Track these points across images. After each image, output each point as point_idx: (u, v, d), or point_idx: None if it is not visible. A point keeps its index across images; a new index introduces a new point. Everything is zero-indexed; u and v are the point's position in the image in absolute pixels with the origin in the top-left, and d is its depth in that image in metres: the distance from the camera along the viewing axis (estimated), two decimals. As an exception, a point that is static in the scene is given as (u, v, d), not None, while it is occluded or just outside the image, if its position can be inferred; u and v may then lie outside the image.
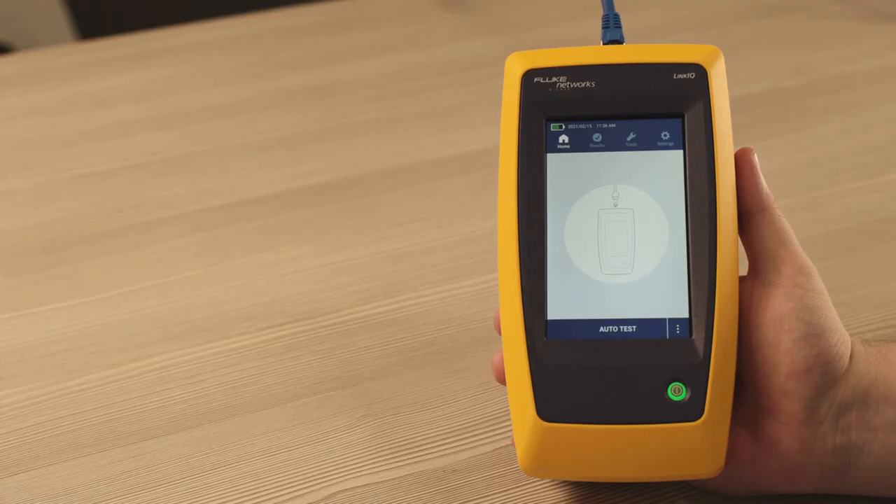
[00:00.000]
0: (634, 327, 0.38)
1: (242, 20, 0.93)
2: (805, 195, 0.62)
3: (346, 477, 0.44)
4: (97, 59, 0.88)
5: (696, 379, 0.37)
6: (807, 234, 0.58)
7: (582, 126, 0.40)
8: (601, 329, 0.39)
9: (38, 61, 0.89)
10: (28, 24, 1.51)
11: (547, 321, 0.39)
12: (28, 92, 0.83)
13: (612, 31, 0.43)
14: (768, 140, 0.68)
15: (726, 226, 0.38)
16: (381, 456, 0.45)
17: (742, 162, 0.40)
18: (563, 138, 0.40)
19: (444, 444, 0.45)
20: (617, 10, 0.43)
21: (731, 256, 0.38)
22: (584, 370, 0.38)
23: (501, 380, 0.40)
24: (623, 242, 0.39)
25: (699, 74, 0.40)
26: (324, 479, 0.44)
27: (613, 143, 0.40)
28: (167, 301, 0.56)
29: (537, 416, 0.38)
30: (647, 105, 0.40)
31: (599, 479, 0.41)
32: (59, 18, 1.45)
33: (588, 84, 0.40)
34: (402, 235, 0.60)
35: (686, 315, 0.38)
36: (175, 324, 0.54)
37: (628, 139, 0.40)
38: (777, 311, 0.37)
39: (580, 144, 0.40)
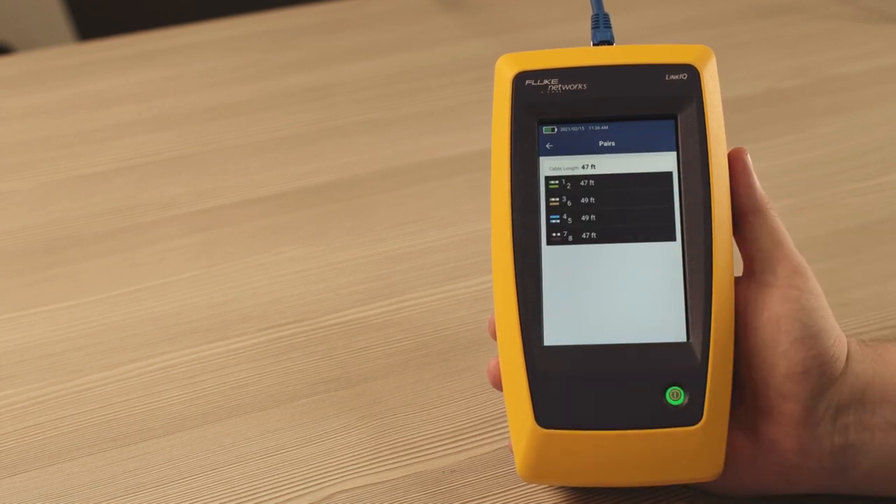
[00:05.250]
0: (631, 331, 0.38)
1: (241, 21, 0.93)
2: (805, 196, 0.62)
3: (345, 477, 0.44)
4: (97, 60, 0.88)
5: (695, 383, 0.37)
6: (807, 234, 0.58)
7: (574, 128, 0.40)
8: (598, 333, 0.38)
9: (38, 62, 0.89)
10: (28, 24, 1.51)
11: (543, 326, 0.39)
12: (28, 92, 0.83)
13: (602, 31, 0.43)
14: (768, 141, 0.68)
15: (721, 227, 0.38)
16: (381, 456, 0.45)
17: (735, 162, 0.40)
18: (556, 141, 0.40)
19: (443, 445, 0.45)
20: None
21: (726, 258, 0.38)
22: (582, 376, 0.38)
23: (497, 385, 0.40)
24: (618, 245, 0.39)
25: (691, 75, 0.40)
26: (323, 480, 0.44)
27: (606, 146, 0.40)
28: (167, 301, 0.56)
29: (535, 423, 0.37)
30: (640, 106, 0.40)
31: (599, 485, 0.41)
32: (59, 18, 1.45)
33: (580, 86, 0.40)
34: (401, 236, 0.60)
35: (683, 318, 0.38)
36: (174, 324, 0.54)
37: (621, 141, 0.40)
38: (774, 313, 0.37)
39: (573, 147, 0.40)
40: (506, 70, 0.41)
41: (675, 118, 0.40)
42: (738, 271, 0.40)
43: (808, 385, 0.37)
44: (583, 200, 0.40)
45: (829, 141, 0.67)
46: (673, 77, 0.40)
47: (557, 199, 0.40)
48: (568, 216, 0.40)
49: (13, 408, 0.49)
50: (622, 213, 0.40)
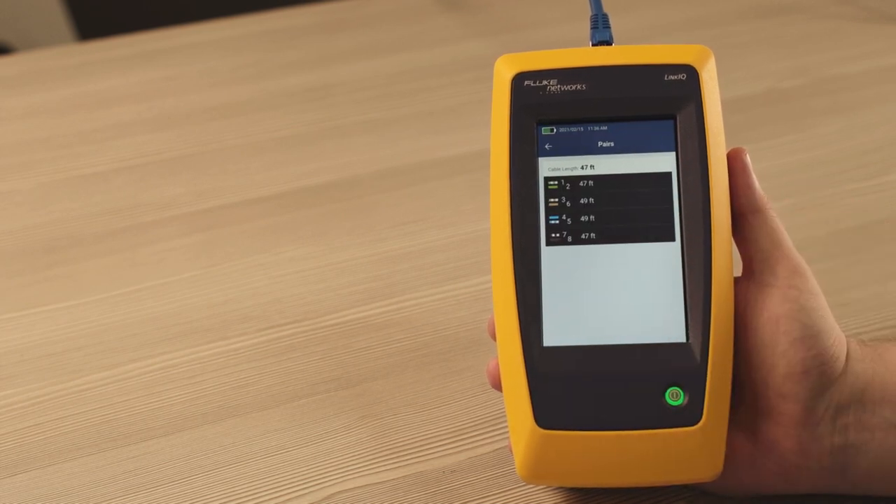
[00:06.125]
0: (630, 332, 0.38)
1: (242, 21, 0.93)
2: (805, 195, 0.62)
3: (346, 477, 0.44)
4: (97, 60, 0.88)
5: (694, 383, 0.37)
6: (807, 234, 0.58)
7: (573, 129, 0.40)
8: (597, 334, 0.38)
9: (38, 62, 0.89)
10: (28, 24, 1.51)
11: (543, 327, 0.39)
12: (28, 92, 0.83)
13: (601, 31, 0.42)
14: (768, 141, 0.68)
15: (720, 227, 0.38)
16: (381, 456, 0.45)
17: (735, 162, 0.39)
18: (555, 141, 0.40)
19: (443, 445, 0.45)
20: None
21: (725, 258, 0.38)
22: (582, 376, 0.38)
23: (497, 386, 0.40)
24: (617, 245, 0.39)
25: (690, 75, 0.40)
26: (323, 480, 0.44)
27: (605, 146, 0.40)
28: (167, 301, 0.56)
29: (535, 424, 0.37)
30: (639, 107, 0.40)
31: (599, 486, 0.41)
32: (59, 18, 1.45)
33: (579, 87, 0.40)
34: (402, 236, 0.60)
35: (682, 319, 0.38)
36: (174, 324, 0.54)
37: (620, 142, 0.40)
38: (773, 313, 0.37)
39: (572, 147, 0.40)
40: (504, 71, 0.41)
41: (675, 118, 0.40)
42: (738, 271, 0.40)
43: (808, 385, 0.37)
44: (582, 201, 0.40)
45: (829, 141, 0.67)
46: (672, 77, 0.40)
47: (557, 199, 0.40)
48: (567, 217, 0.40)
49: (13, 408, 0.49)
50: (621, 214, 0.40)
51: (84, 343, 0.54)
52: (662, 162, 0.40)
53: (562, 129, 0.40)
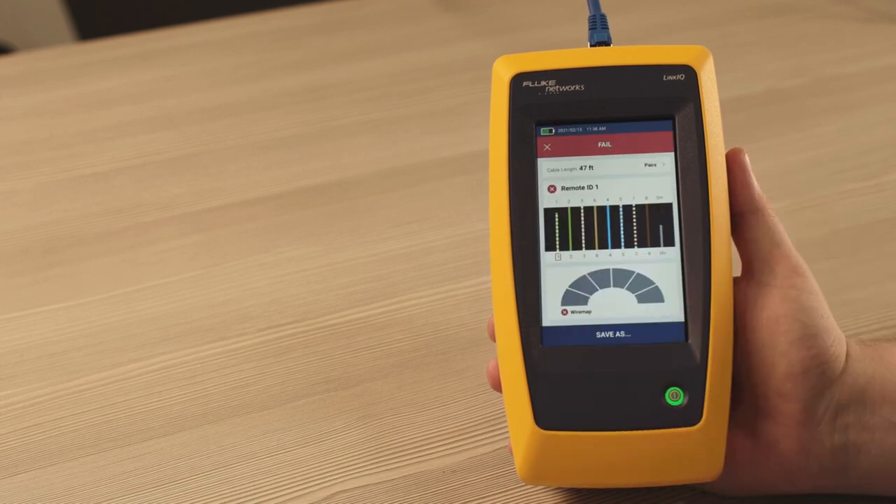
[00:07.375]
0: (630, 332, 0.38)
1: (242, 21, 0.93)
2: (805, 195, 0.62)
3: (346, 478, 0.44)
4: (97, 60, 0.88)
5: (694, 383, 0.37)
6: (807, 234, 0.58)
7: (572, 130, 0.40)
8: (597, 335, 0.38)
9: (38, 62, 0.89)
10: (28, 24, 1.51)
11: (542, 328, 0.38)
12: (28, 92, 0.83)
13: (599, 32, 0.42)
14: (768, 140, 0.68)
15: (720, 227, 0.38)
16: (381, 457, 0.45)
17: (733, 163, 0.39)
18: (554, 142, 0.40)
19: (443, 445, 0.45)
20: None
21: (725, 258, 0.38)
22: (582, 377, 0.38)
23: (497, 387, 0.40)
24: (617, 247, 0.39)
25: (689, 76, 0.40)
26: (323, 480, 0.44)
27: (604, 147, 0.40)
28: (167, 301, 0.56)
29: (535, 425, 0.37)
30: (638, 108, 0.40)
31: (599, 486, 0.41)
32: (59, 19, 1.45)
33: (578, 87, 0.40)
34: (402, 236, 0.60)
35: (682, 319, 0.38)
36: (174, 324, 0.54)
37: (619, 142, 0.40)
38: (773, 313, 0.37)
39: (571, 148, 0.40)
40: (503, 72, 0.41)
41: (673, 119, 0.40)
42: (737, 271, 0.40)
43: (808, 385, 0.37)
44: (581, 202, 0.40)
45: (829, 141, 0.67)
46: (670, 78, 0.40)
47: (555, 201, 0.40)
48: (566, 218, 0.40)
49: (13, 408, 0.49)
50: (620, 215, 0.40)
51: (84, 343, 0.54)
52: (661, 162, 0.40)
53: (560, 130, 0.40)
